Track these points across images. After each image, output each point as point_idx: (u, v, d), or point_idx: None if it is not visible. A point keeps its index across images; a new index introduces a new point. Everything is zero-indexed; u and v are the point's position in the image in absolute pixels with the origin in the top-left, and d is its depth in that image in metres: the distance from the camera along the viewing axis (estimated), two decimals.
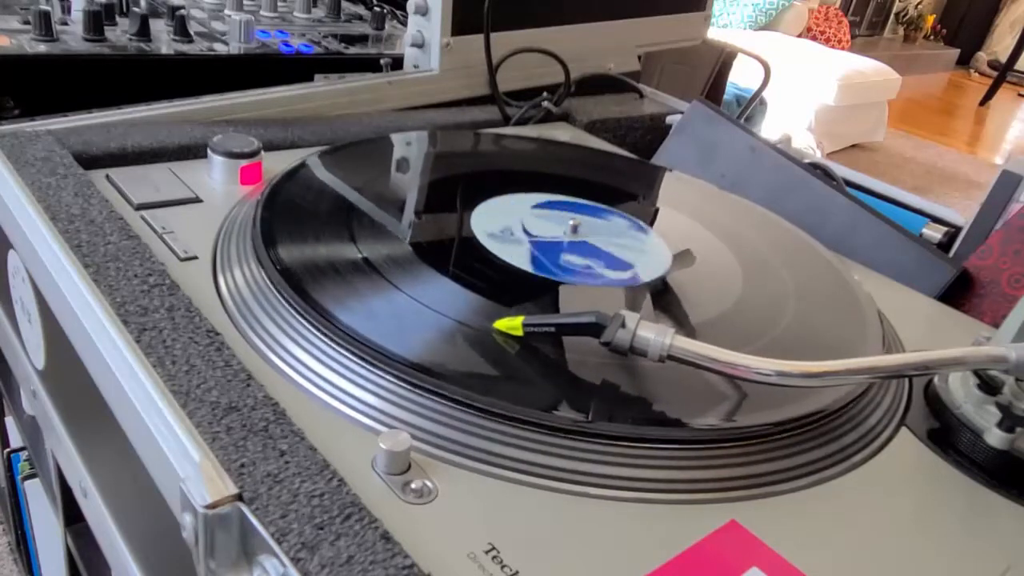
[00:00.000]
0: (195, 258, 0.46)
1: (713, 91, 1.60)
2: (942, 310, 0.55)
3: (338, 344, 0.37)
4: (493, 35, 0.76)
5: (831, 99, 3.05)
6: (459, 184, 0.58)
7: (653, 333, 0.36)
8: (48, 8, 0.75)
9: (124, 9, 0.87)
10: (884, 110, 3.43)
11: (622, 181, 0.65)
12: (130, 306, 0.39)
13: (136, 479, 0.36)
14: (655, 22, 0.96)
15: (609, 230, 0.54)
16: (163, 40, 0.81)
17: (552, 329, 0.39)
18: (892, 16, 5.03)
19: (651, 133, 0.85)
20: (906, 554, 0.33)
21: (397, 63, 0.84)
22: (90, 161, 0.55)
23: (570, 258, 0.49)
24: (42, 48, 0.73)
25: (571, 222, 0.52)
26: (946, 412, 0.41)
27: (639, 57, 0.97)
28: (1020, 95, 5.01)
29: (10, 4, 0.83)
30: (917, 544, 0.34)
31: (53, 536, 0.64)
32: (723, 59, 1.58)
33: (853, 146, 3.37)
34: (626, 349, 0.37)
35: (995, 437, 0.38)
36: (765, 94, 0.97)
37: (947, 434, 0.41)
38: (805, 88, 3.06)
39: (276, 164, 0.56)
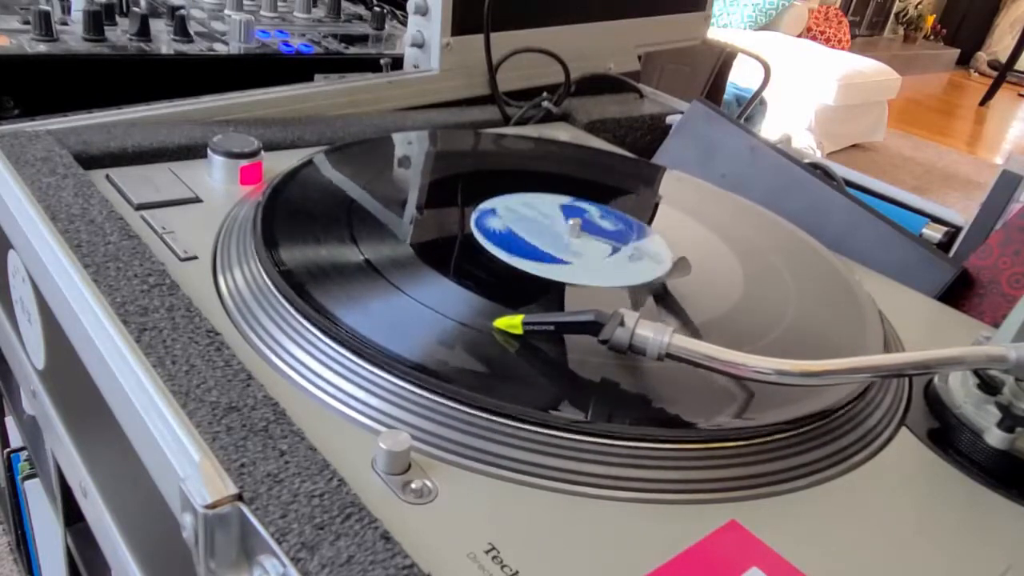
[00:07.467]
0: (195, 258, 0.46)
1: (713, 91, 1.60)
2: (942, 310, 0.55)
3: (338, 344, 0.37)
4: (493, 35, 0.76)
5: (831, 99, 3.05)
6: (459, 184, 0.58)
7: (652, 331, 0.36)
8: (48, 8, 0.75)
9: (124, 9, 0.87)
10: (884, 110, 3.43)
11: (622, 180, 0.65)
12: (130, 306, 0.39)
13: (136, 479, 0.36)
14: (655, 22, 0.96)
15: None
16: (163, 40, 0.81)
17: (551, 327, 0.39)
18: (892, 16, 5.04)
19: (651, 133, 0.84)
20: (906, 554, 0.33)
21: (397, 63, 0.84)
22: (90, 161, 0.55)
23: (603, 224, 0.54)
24: (42, 48, 0.73)
25: (571, 221, 0.52)
26: (946, 412, 0.41)
27: (639, 57, 0.97)
28: (1020, 95, 5.01)
29: (10, 4, 0.83)
30: (917, 544, 0.34)
31: (53, 536, 0.64)
32: (723, 59, 1.58)
33: (853, 146, 3.37)
34: (625, 347, 0.37)
35: (995, 437, 0.38)
36: (765, 94, 0.97)
37: (947, 434, 0.41)
38: (805, 88, 3.06)
39: (276, 164, 0.56)
